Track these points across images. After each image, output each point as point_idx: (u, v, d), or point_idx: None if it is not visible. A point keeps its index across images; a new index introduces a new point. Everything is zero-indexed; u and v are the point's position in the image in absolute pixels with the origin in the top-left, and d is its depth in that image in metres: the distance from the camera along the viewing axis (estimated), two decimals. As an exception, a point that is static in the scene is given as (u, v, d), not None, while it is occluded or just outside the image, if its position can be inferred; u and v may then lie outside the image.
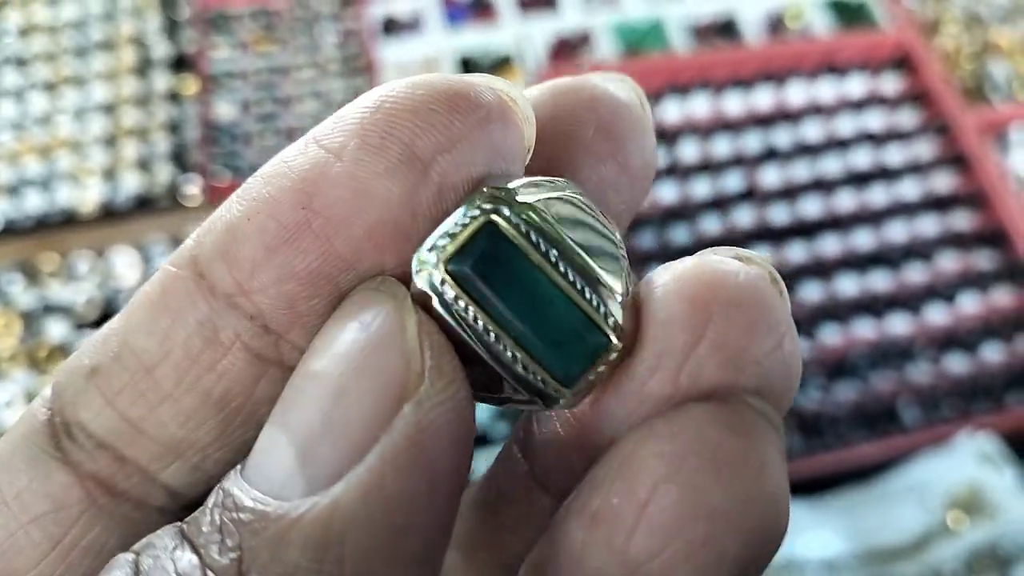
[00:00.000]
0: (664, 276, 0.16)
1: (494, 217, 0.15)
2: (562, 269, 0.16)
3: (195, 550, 0.14)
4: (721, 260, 0.16)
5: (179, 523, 0.15)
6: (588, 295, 0.16)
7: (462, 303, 0.15)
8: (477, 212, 0.16)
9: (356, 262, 0.16)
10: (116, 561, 0.15)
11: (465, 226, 0.15)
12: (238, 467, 0.15)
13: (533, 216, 0.16)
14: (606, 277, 0.16)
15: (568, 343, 0.15)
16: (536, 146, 0.18)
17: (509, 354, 0.15)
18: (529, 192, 0.16)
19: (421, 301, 0.16)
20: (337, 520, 0.14)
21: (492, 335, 0.15)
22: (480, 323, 0.15)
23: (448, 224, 0.16)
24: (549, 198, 0.16)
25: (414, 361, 0.14)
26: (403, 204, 0.16)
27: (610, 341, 0.16)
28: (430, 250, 0.16)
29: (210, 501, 0.15)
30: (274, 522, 0.14)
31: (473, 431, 0.15)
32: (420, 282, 0.16)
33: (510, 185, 0.16)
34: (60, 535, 0.17)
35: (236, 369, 0.16)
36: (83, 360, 0.17)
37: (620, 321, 0.16)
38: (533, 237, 0.16)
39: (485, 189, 0.16)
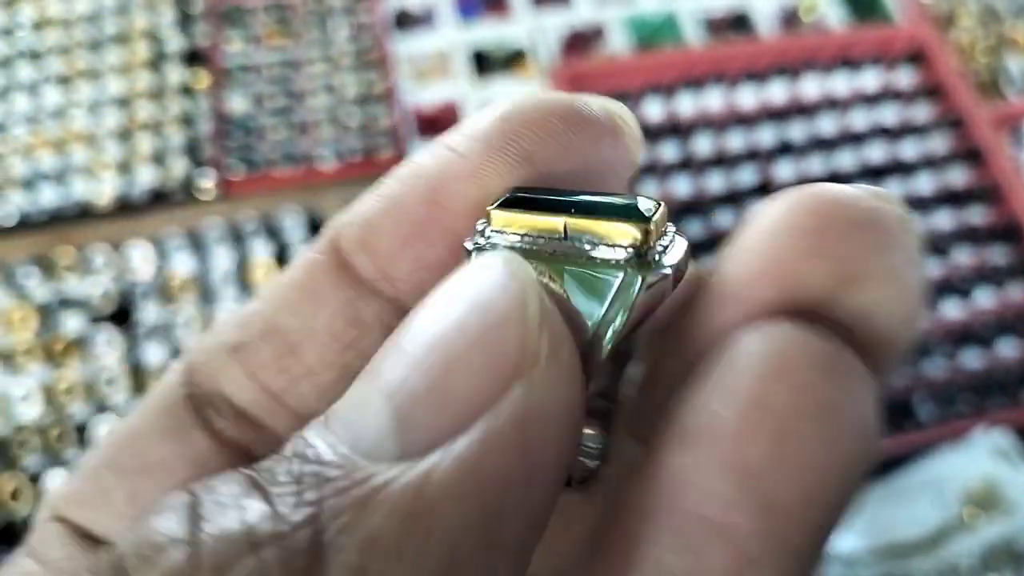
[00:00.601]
0: (779, 197, 0.15)
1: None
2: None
3: (267, 499, 0.13)
4: (845, 186, 0.15)
5: (245, 470, 0.14)
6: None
7: (520, 226, 0.16)
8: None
9: None
10: (169, 500, 0.14)
11: None
12: (321, 418, 0.14)
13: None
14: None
15: (622, 215, 0.16)
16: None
17: (584, 244, 0.16)
18: None
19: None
20: (429, 491, 0.13)
21: (561, 227, 0.16)
22: (541, 224, 0.16)
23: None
24: None
25: (531, 341, 0.14)
26: None
27: (660, 204, 0.16)
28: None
29: (288, 450, 0.14)
30: (360, 483, 0.13)
31: (580, 426, 0.15)
32: (494, 242, 0.16)
33: None
34: None
35: (375, 346, 0.17)
36: (224, 338, 0.19)
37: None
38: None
39: None
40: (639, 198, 0.16)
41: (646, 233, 0.15)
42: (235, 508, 0.13)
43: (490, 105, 0.18)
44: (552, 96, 0.18)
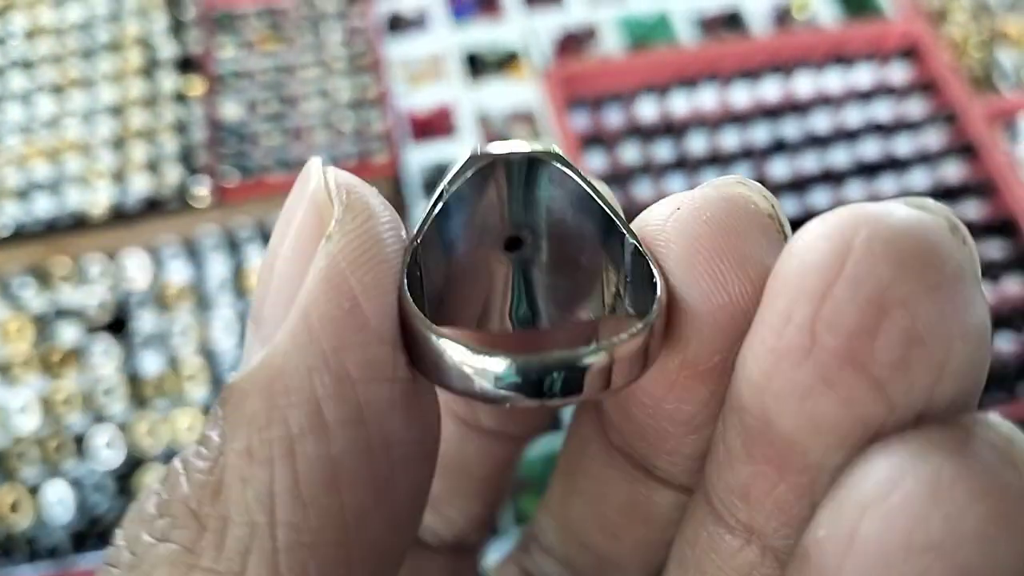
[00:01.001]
0: (806, 226, 0.14)
1: None
2: None
3: (197, 440, 0.16)
4: (879, 204, 0.14)
5: None
6: None
7: None
8: None
9: None
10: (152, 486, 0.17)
11: None
12: None
13: None
14: None
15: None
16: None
17: None
18: None
19: None
20: (276, 359, 0.15)
21: None
22: None
23: None
24: None
25: (326, 209, 0.16)
26: None
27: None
28: None
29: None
30: (238, 385, 0.15)
31: (392, 250, 0.16)
32: None
33: None
34: None
35: (446, 433, 0.20)
36: None
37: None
38: None
39: None
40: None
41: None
42: (177, 455, 0.16)
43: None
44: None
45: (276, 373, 0.15)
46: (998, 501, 0.12)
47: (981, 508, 0.12)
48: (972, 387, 0.14)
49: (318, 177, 0.16)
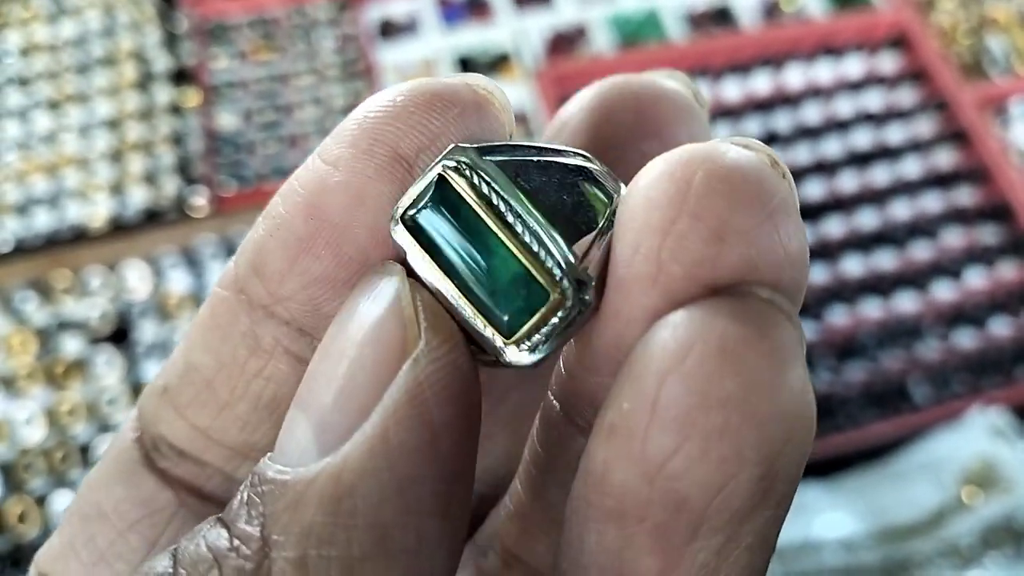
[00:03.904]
0: (650, 164, 0.15)
1: (446, 171, 0.16)
2: (510, 221, 0.16)
3: (224, 525, 0.15)
4: (710, 142, 0.15)
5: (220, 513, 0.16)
6: (535, 248, 0.16)
7: (417, 252, 0.16)
8: (436, 166, 0.17)
9: (365, 262, 0.17)
10: (160, 552, 0.16)
11: (424, 180, 0.17)
12: (269, 453, 0.16)
13: (489, 171, 0.16)
14: (556, 232, 0.16)
15: (510, 294, 0.16)
16: (588, 141, 0.19)
17: (464, 308, 0.16)
18: (504, 152, 0.17)
19: (400, 259, 0.17)
20: (347, 474, 0.14)
21: (444, 287, 0.16)
22: (433, 274, 0.16)
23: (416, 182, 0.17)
24: (525, 160, 0.17)
25: (411, 326, 0.15)
26: (395, 202, 0.17)
27: (551, 295, 0.15)
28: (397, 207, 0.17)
29: (243, 483, 0.16)
30: (292, 486, 0.15)
31: (474, 384, 0.16)
32: (394, 236, 0.17)
33: (491, 144, 0.17)
34: (155, 537, 0.19)
35: (281, 373, 0.18)
36: (158, 381, 0.20)
37: (572, 277, 0.15)
38: (484, 190, 0.16)
39: (453, 146, 0.17)
40: (547, 288, 0.16)
41: (500, 349, 0.16)
42: (202, 538, 0.15)
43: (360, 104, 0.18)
44: (409, 84, 0.17)
45: (345, 491, 0.14)
46: (773, 349, 0.13)
47: (758, 358, 0.13)
48: (798, 300, 0.15)
49: (405, 293, 0.16)
